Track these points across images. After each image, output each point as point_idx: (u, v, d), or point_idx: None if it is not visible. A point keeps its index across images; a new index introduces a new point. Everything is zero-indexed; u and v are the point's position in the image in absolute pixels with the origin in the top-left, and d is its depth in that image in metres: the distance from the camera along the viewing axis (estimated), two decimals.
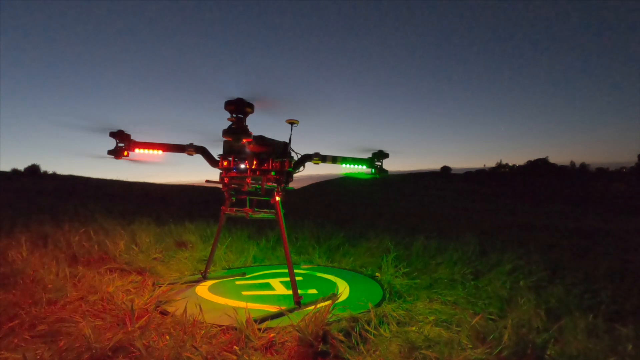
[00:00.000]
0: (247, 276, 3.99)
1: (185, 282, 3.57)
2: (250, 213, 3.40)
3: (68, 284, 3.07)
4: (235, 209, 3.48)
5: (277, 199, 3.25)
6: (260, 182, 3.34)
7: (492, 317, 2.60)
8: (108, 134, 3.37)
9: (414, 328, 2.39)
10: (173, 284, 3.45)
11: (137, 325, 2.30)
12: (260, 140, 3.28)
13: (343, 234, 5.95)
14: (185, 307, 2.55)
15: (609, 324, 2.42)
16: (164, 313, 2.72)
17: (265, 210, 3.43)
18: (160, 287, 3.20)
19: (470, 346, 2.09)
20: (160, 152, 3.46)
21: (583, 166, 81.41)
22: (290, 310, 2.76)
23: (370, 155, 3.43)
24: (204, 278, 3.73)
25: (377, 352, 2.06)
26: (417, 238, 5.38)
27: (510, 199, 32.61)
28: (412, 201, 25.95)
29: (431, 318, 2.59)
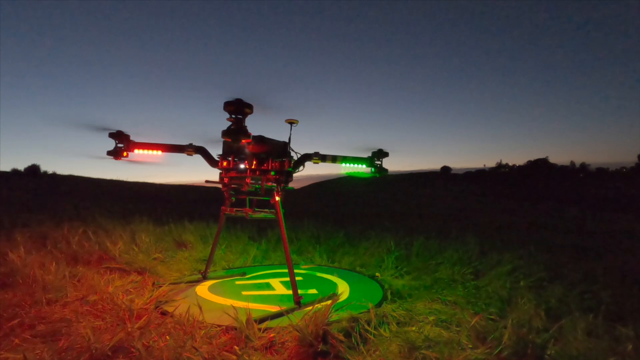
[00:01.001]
0: (247, 276, 3.99)
1: (185, 282, 3.57)
2: (250, 213, 3.40)
3: (68, 284, 3.06)
4: (235, 209, 3.48)
5: (277, 198, 3.25)
6: (260, 182, 3.34)
7: (492, 317, 2.60)
8: (107, 134, 3.37)
9: (414, 328, 2.38)
10: (173, 284, 3.45)
11: (137, 326, 2.30)
12: (260, 140, 3.28)
13: (343, 234, 5.95)
14: (189, 307, 2.55)
15: (609, 324, 2.42)
16: (164, 313, 2.72)
17: (265, 210, 3.43)
18: (160, 287, 3.20)
19: (470, 346, 2.09)
20: (159, 152, 3.46)
21: (583, 166, 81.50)
22: (290, 310, 2.76)
23: (370, 154, 3.43)
24: (204, 278, 3.72)
25: (377, 352, 2.06)
26: (417, 238, 5.38)
27: (510, 199, 32.60)
28: (412, 201, 25.95)
29: (431, 318, 2.58)
